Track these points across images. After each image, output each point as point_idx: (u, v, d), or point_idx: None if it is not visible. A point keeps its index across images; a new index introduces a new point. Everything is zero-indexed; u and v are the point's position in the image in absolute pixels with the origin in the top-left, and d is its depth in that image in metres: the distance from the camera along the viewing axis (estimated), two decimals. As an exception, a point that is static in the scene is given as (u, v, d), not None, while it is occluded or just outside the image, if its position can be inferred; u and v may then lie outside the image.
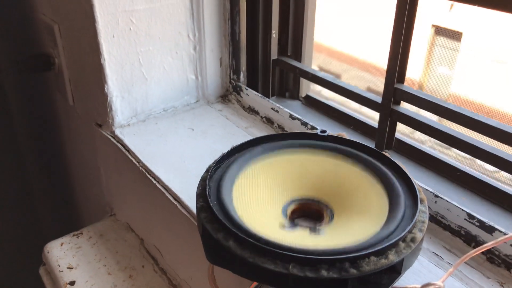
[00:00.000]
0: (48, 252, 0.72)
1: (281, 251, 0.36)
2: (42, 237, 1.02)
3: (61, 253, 0.71)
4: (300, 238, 0.39)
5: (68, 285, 0.65)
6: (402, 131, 0.63)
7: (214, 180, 0.45)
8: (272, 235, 0.38)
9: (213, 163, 0.46)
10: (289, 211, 0.44)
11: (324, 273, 0.35)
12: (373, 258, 0.36)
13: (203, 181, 0.44)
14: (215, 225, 0.39)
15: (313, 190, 0.46)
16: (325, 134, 0.51)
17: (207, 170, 0.46)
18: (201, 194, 0.43)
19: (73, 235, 0.74)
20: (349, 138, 0.50)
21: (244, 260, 0.36)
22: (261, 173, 0.46)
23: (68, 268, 0.68)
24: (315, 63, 0.80)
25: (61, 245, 0.72)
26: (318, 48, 0.78)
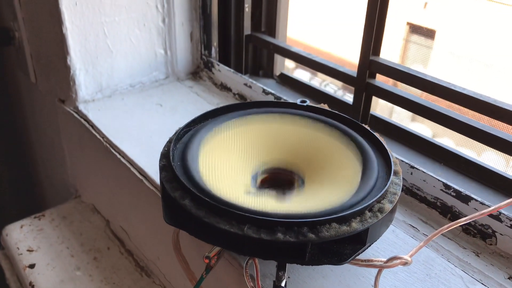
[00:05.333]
0: (6, 235, 0.68)
1: (236, 211, 0.34)
2: (1, 221, 0.97)
3: (21, 235, 0.67)
4: (263, 203, 0.37)
5: (27, 268, 0.61)
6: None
7: (182, 142, 0.43)
8: (234, 198, 0.36)
9: (182, 126, 0.44)
10: (259, 180, 0.42)
11: (280, 236, 0.33)
12: (334, 224, 0.34)
13: (169, 142, 0.42)
14: (173, 184, 0.37)
15: (286, 158, 0.44)
16: (305, 104, 0.49)
17: (175, 133, 0.43)
18: (165, 154, 0.41)
19: (35, 217, 0.70)
20: (330, 109, 0.48)
21: (199, 220, 0.34)
22: (234, 138, 0.44)
23: (28, 251, 0.64)
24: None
25: (21, 227, 0.68)
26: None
